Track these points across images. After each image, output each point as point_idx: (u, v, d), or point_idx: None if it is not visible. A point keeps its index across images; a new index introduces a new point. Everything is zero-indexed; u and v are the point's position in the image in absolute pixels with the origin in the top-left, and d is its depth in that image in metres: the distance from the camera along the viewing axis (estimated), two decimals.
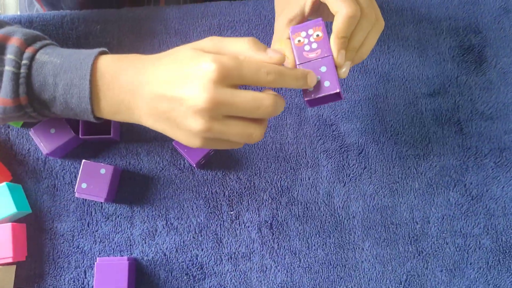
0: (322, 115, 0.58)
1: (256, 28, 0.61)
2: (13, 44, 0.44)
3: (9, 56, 0.43)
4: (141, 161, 0.57)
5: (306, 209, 0.56)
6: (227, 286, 0.54)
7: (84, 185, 0.53)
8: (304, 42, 0.46)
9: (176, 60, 0.41)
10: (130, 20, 0.61)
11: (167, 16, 0.61)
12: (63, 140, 0.54)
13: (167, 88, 0.39)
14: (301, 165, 0.57)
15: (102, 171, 0.53)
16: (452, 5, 0.61)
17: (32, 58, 0.44)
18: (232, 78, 0.38)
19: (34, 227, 0.56)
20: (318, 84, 0.45)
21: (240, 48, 0.41)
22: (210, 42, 0.41)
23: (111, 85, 0.43)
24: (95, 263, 0.52)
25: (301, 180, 0.57)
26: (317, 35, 0.46)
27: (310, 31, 0.46)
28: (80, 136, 0.54)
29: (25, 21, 0.60)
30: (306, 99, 0.45)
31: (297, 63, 0.46)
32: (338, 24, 0.43)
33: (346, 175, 0.57)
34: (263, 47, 0.41)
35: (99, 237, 0.56)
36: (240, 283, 0.55)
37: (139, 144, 0.58)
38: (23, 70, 0.43)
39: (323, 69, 0.45)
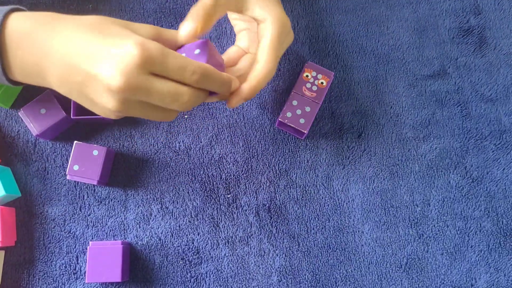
0: None
1: None
2: None
3: None
4: (135, 143, 0.56)
5: (304, 192, 0.55)
6: (224, 271, 0.53)
7: (76, 167, 0.51)
8: (310, 80, 0.54)
9: (99, 32, 0.37)
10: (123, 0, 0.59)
11: None
12: (54, 120, 0.52)
13: (82, 60, 0.37)
14: (299, 148, 0.56)
15: (95, 152, 0.51)
16: None
17: None
18: (154, 67, 0.36)
19: (24, 211, 0.54)
20: (296, 116, 0.53)
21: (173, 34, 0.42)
22: (148, 28, 0.40)
23: (21, 44, 0.39)
24: (88, 247, 0.50)
25: (300, 162, 0.56)
26: (322, 83, 0.54)
27: (320, 76, 0.54)
28: (71, 116, 0.53)
29: None
30: (279, 119, 0.53)
31: (293, 91, 0.53)
32: (257, 76, 0.43)
33: (346, 157, 0.56)
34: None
35: (91, 222, 0.54)
36: (237, 268, 0.53)
37: (133, 126, 0.56)
38: None
39: (308, 109, 0.53)
